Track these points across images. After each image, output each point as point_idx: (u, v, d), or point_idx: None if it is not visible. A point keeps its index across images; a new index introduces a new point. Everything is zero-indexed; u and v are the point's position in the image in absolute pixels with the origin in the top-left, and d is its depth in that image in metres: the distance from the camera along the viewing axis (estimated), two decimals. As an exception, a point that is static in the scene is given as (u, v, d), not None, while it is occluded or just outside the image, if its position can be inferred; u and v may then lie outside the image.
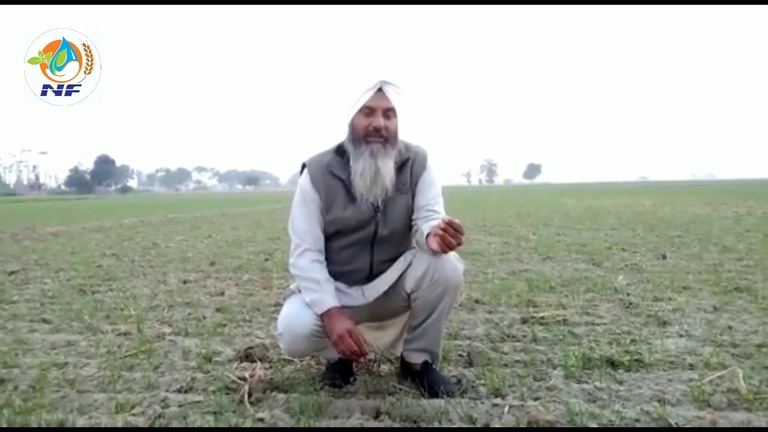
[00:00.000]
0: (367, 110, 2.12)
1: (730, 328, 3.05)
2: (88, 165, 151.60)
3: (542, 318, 3.31)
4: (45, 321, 3.61)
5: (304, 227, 2.26)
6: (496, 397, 2.18)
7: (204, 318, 3.62)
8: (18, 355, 2.88)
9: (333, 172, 2.23)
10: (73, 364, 2.69)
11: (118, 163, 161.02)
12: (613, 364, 2.51)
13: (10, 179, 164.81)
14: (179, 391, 2.34)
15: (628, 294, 3.99)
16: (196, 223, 14.26)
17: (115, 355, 2.84)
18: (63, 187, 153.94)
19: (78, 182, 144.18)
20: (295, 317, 2.20)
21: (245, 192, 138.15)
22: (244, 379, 2.33)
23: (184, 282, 5.03)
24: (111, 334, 3.26)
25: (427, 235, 2.01)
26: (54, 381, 2.45)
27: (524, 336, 3.01)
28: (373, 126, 2.12)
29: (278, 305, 3.57)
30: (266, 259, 6.44)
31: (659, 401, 2.07)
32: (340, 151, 2.25)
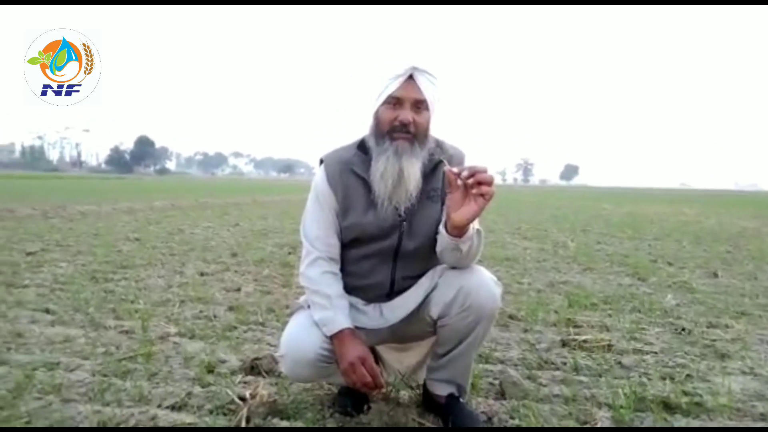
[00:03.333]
0: (394, 101, 1.78)
1: (801, 367, 2.66)
2: (128, 145, 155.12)
3: (584, 342, 2.95)
4: (48, 311, 3.39)
5: (316, 232, 1.94)
6: (533, 443, 1.86)
7: (215, 317, 3.37)
8: (11, 350, 2.68)
9: (354, 170, 1.89)
10: (65, 366, 2.46)
11: (157, 145, 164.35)
12: (668, 406, 2.17)
13: (54, 156, 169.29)
14: (172, 408, 2.07)
15: (679, 317, 3.61)
16: (227, 209, 14.17)
17: (111, 357, 2.60)
18: (103, 165, 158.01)
19: (118, 162, 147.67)
20: (300, 337, 1.89)
21: (279, 179, 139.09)
22: (244, 399, 2.05)
23: (201, 274, 4.81)
24: (113, 330, 3.04)
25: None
26: (39, 386, 2.21)
27: (564, 363, 2.67)
28: (400, 120, 1.77)
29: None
30: (289, 253, 6.19)
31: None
32: (362, 146, 1.92)
